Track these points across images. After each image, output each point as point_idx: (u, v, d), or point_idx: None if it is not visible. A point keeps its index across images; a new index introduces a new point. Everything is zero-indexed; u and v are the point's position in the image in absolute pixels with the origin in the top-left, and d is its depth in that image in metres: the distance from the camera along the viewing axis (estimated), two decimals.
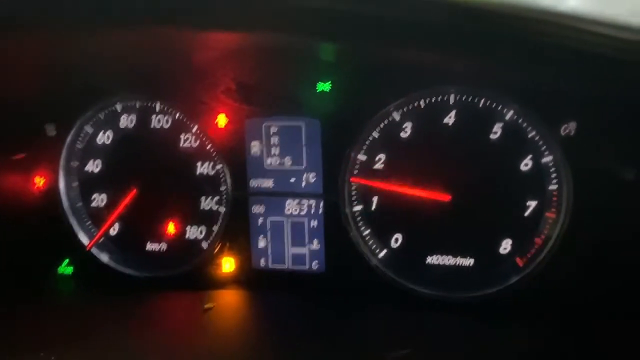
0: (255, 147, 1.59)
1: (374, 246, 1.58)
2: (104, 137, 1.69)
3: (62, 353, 1.29)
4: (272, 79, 1.52)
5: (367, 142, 1.52)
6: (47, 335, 1.40)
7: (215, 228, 1.67)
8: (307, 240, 1.61)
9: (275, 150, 1.58)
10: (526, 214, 1.45)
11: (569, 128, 1.36)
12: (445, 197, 1.48)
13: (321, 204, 1.58)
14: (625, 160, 1.35)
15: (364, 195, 1.56)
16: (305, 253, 1.62)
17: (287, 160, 1.58)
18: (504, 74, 1.36)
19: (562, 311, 1.39)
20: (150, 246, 1.74)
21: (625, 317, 1.35)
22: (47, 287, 1.73)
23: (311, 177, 1.57)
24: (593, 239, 1.38)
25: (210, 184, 1.65)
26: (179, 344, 1.36)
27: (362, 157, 1.53)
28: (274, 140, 1.57)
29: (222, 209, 1.65)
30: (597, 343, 1.31)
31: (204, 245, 1.69)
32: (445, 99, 1.44)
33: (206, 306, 1.52)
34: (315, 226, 1.60)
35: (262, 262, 1.65)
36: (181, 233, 1.70)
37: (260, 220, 1.63)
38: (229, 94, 1.53)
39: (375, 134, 1.51)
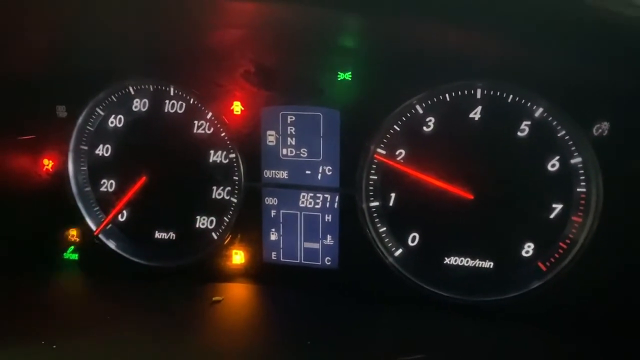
0: (271, 136, 1.54)
1: (390, 244, 1.52)
2: (116, 121, 1.66)
3: (65, 340, 1.27)
4: (291, 64, 1.48)
5: (387, 136, 1.47)
6: (50, 322, 1.37)
7: (226, 219, 1.63)
8: (320, 235, 1.56)
9: (291, 141, 1.53)
10: (551, 216, 1.39)
11: (602, 128, 1.30)
12: (467, 196, 1.42)
13: (337, 198, 1.53)
14: None
15: (382, 191, 1.51)
16: (318, 248, 1.57)
17: (304, 152, 1.53)
18: (535, 68, 1.30)
19: (586, 320, 1.33)
20: (158, 235, 1.70)
21: None
22: (52, 273, 1.70)
23: (327, 169, 1.52)
24: (621, 245, 1.32)
25: (222, 173, 1.61)
26: (185, 337, 1.32)
27: (381, 151, 1.47)
28: (291, 129, 1.52)
29: (234, 200, 1.61)
30: (621, 355, 1.25)
31: (214, 236, 1.65)
32: (471, 93, 1.39)
33: (214, 299, 1.48)
34: (329, 221, 1.55)
35: (273, 256, 1.61)
36: (191, 223, 1.66)
37: (272, 213, 1.58)
38: (247, 76, 1.48)
39: (397, 127, 1.46)
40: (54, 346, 1.23)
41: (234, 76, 1.50)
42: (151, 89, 1.61)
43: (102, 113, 1.65)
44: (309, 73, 1.48)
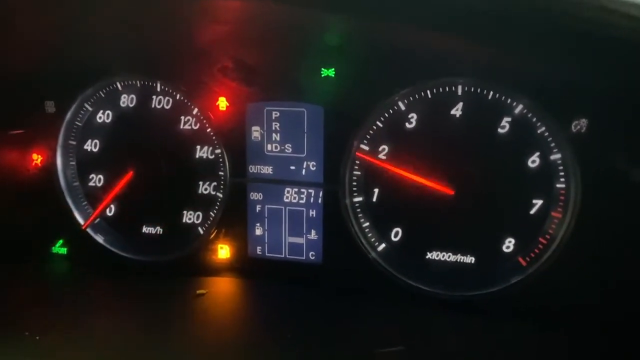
0: (255, 132, 1.55)
1: (373, 239, 1.54)
2: (104, 116, 1.67)
3: (52, 333, 1.28)
4: (273, 60, 1.49)
5: (370, 132, 1.48)
6: (37, 315, 1.38)
7: (212, 213, 1.64)
8: (305, 230, 1.58)
9: (276, 136, 1.55)
10: (531, 212, 1.41)
11: (580, 125, 1.31)
12: (448, 191, 1.44)
13: (320, 194, 1.54)
14: (637, 161, 1.30)
15: (365, 186, 1.52)
16: (302, 243, 1.59)
17: (288, 147, 1.54)
18: (515, 65, 1.32)
19: (564, 313, 1.35)
20: (146, 229, 1.71)
21: (630, 320, 1.30)
22: (40, 266, 1.71)
23: (312, 165, 1.54)
24: (599, 240, 1.34)
25: (208, 169, 1.62)
26: (171, 329, 1.33)
27: (365, 147, 1.49)
28: (275, 125, 1.54)
29: (220, 195, 1.62)
30: (599, 345, 1.27)
31: (200, 230, 1.66)
32: (453, 89, 1.40)
33: (198, 292, 1.49)
34: (313, 216, 1.56)
35: (258, 251, 1.62)
36: (177, 217, 1.67)
37: (258, 208, 1.60)
38: (226, 72, 1.50)
39: (380, 124, 1.47)
40: (37, 337, 1.24)
41: (212, 72, 1.52)
42: (138, 85, 1.62)
43: (90, 108, 1.67)
44: (292, 69, 1.49)
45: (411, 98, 1.44)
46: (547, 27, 1.06)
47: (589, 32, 1.04)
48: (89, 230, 1.72)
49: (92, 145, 1.69)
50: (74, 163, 1.71)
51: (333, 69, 1.45)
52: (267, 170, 1.57)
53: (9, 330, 1.29)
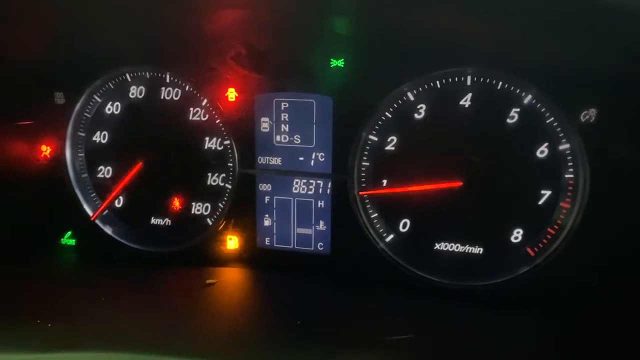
0: (264, 122, 1.56)
1: (382, 230, 1.54)
2: (113, 108, 1.68)
3: (62, 324, 1.28)
4: (284, 48, 1.49)
5: (379, 122, 1.48)
6: (46, 306, 1.38)
7: (221, 205, 1.64)
8: (313, 220, 1.58)
9: (285, 127, 1.55)
10: (540, 202, 1.41)
11: (589, 115, 1.32)
12: (456, 183, 1.44)
13: (329, 185, 1.55)
14: None
15: (374, 177, 1.52)
16: (311, 234, 1.59)
17: (297, 138, 1.55)
18: (524, 55, 1.32)
19: (573, 304, 1.35)
20: (154, 220, 1.72)
21: (637, 310, 1.30)
22: (49, 257, 1.72)
23: (320, 156, 1.54)
24: (608, 229, 1.34)
25: (217, 160, 1.62)
26: (179, 319, 1.33)
27: (373, 137, 1.49)
28: (284, 116, 1.54)
29: (229, 186, 1.63)
30: (607, 335, 1.27)
31: (209, 221, 1.66)
32: (462, 80, 1.41)
33: (208, 281, 1.50)
34: (322, 207, 1.57)
35: (267, 241, 1.63)
36: (186, 208, 1.68)
37: (266, 199, 1.60)
38: (238, 59, 1.50)
39: (389, 114, 1.47)
40: (49, 324, 1.25)
41: (224, 58, 1.52)
42: (147, 76, 1.63)
43: (99, 100, 1.67)
44: (301, 58, 1.49)
45: (420, 88, 1.44)
46: (558, 15, 1.06)
47: (599, 20, 1.04)
48: (97, 221, 1.72)
49: (101, 137, 1.70)
50: (82, 154, 1.72)
51: (342, 59, 1.46)
52: (276, 161, 1.57)
53: (19, 319, 1.30)
